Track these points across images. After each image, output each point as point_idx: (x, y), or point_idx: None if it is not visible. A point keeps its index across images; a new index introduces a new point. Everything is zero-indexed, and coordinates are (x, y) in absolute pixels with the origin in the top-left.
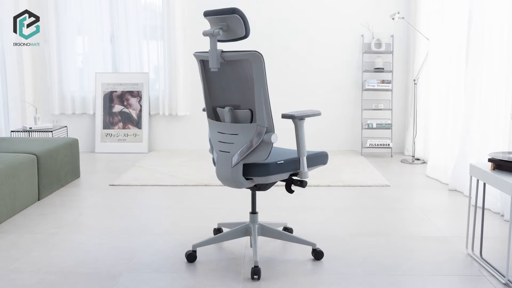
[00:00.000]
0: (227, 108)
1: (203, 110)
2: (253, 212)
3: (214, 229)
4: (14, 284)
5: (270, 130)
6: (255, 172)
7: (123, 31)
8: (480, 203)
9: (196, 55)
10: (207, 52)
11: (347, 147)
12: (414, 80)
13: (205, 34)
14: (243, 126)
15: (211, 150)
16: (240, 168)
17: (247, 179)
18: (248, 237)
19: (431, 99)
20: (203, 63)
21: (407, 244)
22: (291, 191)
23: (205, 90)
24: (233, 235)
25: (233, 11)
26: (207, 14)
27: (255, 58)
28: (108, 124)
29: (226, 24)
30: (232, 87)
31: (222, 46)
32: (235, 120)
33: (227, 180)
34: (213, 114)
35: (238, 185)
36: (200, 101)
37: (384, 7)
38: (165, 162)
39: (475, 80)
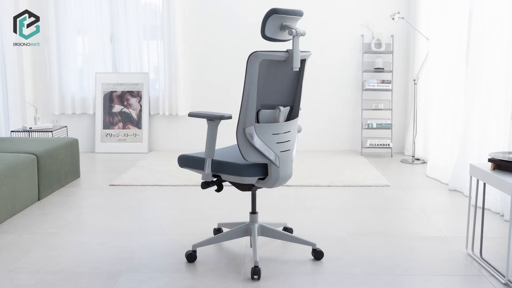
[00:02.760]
0: (285, 108)
1: (223, 118)
2: (253, 212)
3: (214, 229)
4: (14, 284)
5: None
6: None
7: (123, 31)
8: (480, 203)
9: (260, 54)
10: (281, 52)
11: (347, 147)
12: (414, 80)
13: (293, 33)
14: (293, 122)
15: (257, 156)
16: None
17: None
18: (248, 237)
19: (431, 99)
20: (264, 63)
21: (407, 244)
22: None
23: (256, 92)
24: (233, 235)
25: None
26: (290, 13)
27: (308, 58)
28: (108, 124)
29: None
30: (284, 86)
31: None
32: (287, 118)
33: (287, 177)
34: (257, 118)
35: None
36: (200, 102)
37: (384, 7)
38: (165, 162)
39: (475, 80)
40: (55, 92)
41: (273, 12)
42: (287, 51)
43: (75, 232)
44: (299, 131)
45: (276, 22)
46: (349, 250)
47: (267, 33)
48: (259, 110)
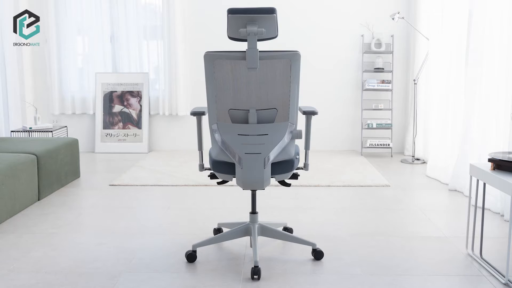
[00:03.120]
0: (253, 109)
1: (193, 114)
2: (253, 212)
3: (214, 229)
4: (14, 284)
5: (296, 126)
6: (281, 169)
7: (123, 31)
8: (480, 203)
9: (223, 54)
10: (236, 52)
11: (347, 147)
12: (414, 80)
13: (245, 33)
14: (274, 126)
15: (217, 154)
16: (269, 167)
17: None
18: (248, 237)
19: (431, 99)
20: (228, 63)
21: (407, 244)
22: (289, 185)
23: (215, 92)
24: (233, 235)
25: (273, 11)
26: (240, 12)
27: (296, 58)
28: (108, 124)
29: (262, 23)
30: (258, 87)
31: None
32: (259, 120)
33: (256, 182)
34: (227, 116)
35: (265, 185)
36: (200, 101)
37: (384, 7)
38: (165, 162)
39: (475, 80)
40: (55, 92)
41: (228, 12)
42: (244, 51)
43: (75, 232)
44: (298, 137)
45: (234, 22)
46: (349, 250)
47: (229, 34)
48: (230, 109)
